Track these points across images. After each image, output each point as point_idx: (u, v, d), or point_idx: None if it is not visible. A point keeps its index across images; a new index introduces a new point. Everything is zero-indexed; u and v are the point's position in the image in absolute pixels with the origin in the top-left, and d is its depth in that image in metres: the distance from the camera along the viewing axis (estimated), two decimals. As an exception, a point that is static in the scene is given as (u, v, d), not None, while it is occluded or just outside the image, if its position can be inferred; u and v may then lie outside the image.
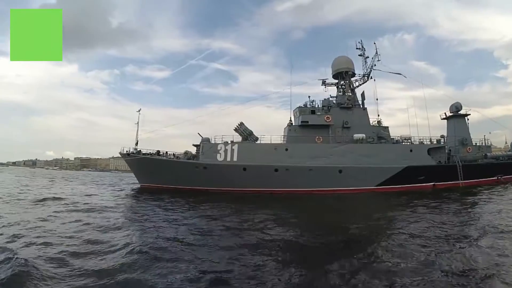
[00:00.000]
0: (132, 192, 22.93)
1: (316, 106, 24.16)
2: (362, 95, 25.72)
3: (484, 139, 27.90)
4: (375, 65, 26.60)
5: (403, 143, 23.91)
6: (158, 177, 24.71)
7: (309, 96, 24.70)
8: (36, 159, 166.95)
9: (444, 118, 29.16)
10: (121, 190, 24.82)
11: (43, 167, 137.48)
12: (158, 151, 26.83)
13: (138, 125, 26.60)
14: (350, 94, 25.70)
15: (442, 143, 24.33)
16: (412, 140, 24.31)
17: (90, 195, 19.37)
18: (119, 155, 28.89)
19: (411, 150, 22.73)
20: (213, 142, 23.41)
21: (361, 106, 25.11)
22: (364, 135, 22.42)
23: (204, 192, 21.34)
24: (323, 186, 21.12)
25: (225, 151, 22.68)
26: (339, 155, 21.61)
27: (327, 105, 24.05)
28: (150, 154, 25.81)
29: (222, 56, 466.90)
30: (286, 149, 21.95)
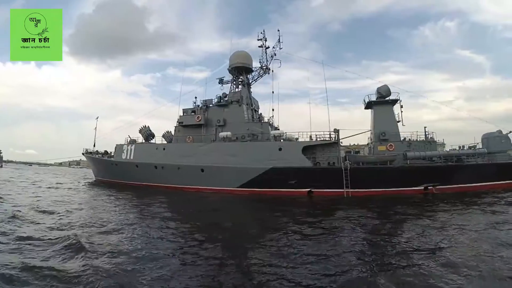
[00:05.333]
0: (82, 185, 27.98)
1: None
2: (243, 90, 24.66)
3: (425, 132, 20.68)
4: (275, 54, 24.75)
5: (281, 141, 20.79)
6: (102, 172, 30.65)
7: (195, 97, 25.52)
8: (80, 159, 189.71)
9: (366, 108, 22.79)
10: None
11: (87, 167, 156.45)
12: (106, 151, 32.56)
13: (96, 130, 33.41)
14: (235, 91, 24.85)
15: (332, 139, 19.70)
16: (290, 135, 21.17)
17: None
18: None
19: (280, 149, 19.64)
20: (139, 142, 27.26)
21: (240, 102, 23.45)
22: (229, 133, 21.58)
23: (122, 184, 25.61)
24: (189, 183, 21.82)
25: (127, 150, 26.41)
26: (203, 154, 21.57)
27: (205, 104, 24.33)
28: (93, 153, 32.06)
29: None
30: (164, 149, 24.29)
